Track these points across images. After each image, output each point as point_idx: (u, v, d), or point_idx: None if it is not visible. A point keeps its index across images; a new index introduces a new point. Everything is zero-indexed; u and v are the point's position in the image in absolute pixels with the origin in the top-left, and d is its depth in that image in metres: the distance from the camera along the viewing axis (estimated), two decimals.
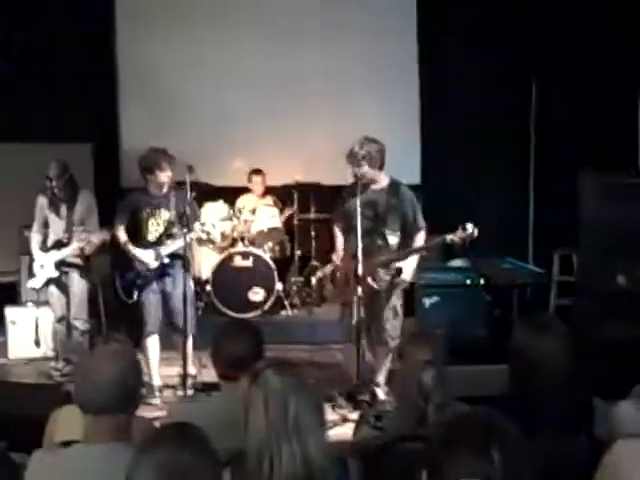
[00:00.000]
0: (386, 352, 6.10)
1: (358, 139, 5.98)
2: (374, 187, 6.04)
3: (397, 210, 6.01)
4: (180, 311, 6.16)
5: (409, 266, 6.05)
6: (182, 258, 6.34)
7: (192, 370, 6.47)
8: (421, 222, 6.10)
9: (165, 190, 6.39)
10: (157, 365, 6.53)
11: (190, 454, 1.85)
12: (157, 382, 6.49)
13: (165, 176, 6.29)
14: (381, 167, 6.01)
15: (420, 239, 6.06)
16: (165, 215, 6.37)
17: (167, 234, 6.37)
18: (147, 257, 6.35)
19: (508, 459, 1.69)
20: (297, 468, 2.31)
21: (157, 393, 6.39)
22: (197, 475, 1.83)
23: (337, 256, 6.26)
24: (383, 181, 6.08)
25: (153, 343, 6.46)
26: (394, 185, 6.09)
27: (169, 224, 6.36)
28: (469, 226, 5.56)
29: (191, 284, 6.53)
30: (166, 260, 6.32)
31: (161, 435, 2.02)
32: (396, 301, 6.10)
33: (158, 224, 6.38)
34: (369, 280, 5.86)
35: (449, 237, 5.64)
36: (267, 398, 2.35)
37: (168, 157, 6.30)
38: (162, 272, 6.37)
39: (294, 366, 2.55)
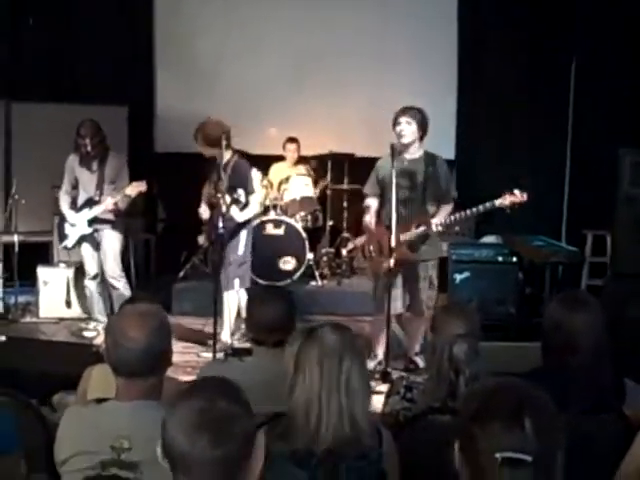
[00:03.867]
0: (422, 323, 6.04)
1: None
2: (409, 157, 5.93)
3: (434, 180, 5.94)
4: (227, 275, 6.50)
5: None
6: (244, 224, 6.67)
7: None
8: (454, 193, 6.11)
9: (226, 159, 6.53)
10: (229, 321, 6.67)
11: (226, 403, 1.86)
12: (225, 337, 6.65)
13: (201, 148, 6.48)
14: (422, 136, 5.95)
15: (446, 210, 5.98)
16: (219, 184, 6.49)
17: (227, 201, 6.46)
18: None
19: (541, 430, 1.68)
20: (343, 425, 2.37)
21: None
22: (232, 423, 1.83)
23: (371, 227, 6.11)
24: (418, 151, 5.98)
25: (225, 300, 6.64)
26: (430, 155, 6.00)
27: (224, 193, 6.45)
28: (517, 191, 5.57)
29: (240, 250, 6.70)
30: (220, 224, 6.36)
31: (198, 385, 2.03)
32: (432, 271, 6.06)
33: (221, 191, 6.43)
34: (406, 250, 5.82)
35: (498, 201, 5.61)
36: (323, 354, 2.42)
37: (201, 133, 6.44)
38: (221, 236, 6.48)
39: (347, 328, 2.60)
